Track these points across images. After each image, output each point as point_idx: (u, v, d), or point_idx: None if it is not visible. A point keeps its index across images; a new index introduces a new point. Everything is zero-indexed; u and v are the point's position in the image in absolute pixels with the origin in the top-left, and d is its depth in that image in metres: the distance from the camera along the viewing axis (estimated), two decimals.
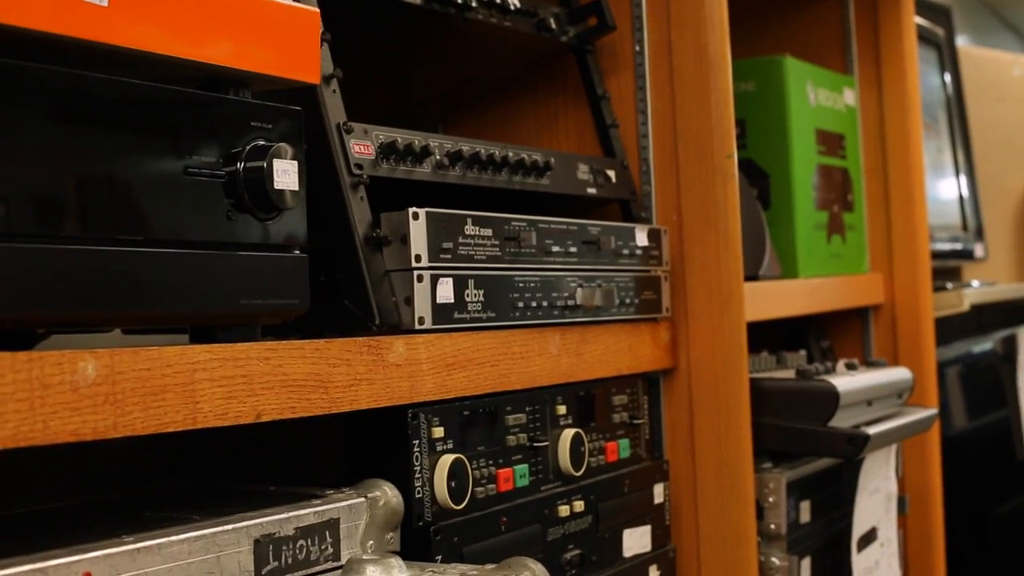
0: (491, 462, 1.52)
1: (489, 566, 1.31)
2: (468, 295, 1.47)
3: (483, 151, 1.57)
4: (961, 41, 5.47)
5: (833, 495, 2.23)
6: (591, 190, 1.78)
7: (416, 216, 1.40)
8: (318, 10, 1.30)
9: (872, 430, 2.02)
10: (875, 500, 2.33)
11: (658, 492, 1.84)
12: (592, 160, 1.79)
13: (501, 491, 1.54)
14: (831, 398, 1.97)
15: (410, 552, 1.38)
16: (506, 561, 1.30)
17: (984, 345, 3.79)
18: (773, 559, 1.98)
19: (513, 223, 1.55)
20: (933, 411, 2.39)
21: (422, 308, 1.40)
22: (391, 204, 1.42)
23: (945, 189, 3.43)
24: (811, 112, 2.42)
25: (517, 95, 1.98)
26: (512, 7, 1.72)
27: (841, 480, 2.25)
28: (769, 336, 2.45)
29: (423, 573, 1.30)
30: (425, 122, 2.00)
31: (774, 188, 2.35)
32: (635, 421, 1.82)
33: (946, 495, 2.93)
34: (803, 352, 2.33)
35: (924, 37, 3.40)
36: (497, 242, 1.52)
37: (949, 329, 3.62)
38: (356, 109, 1.46)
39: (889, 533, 2.39)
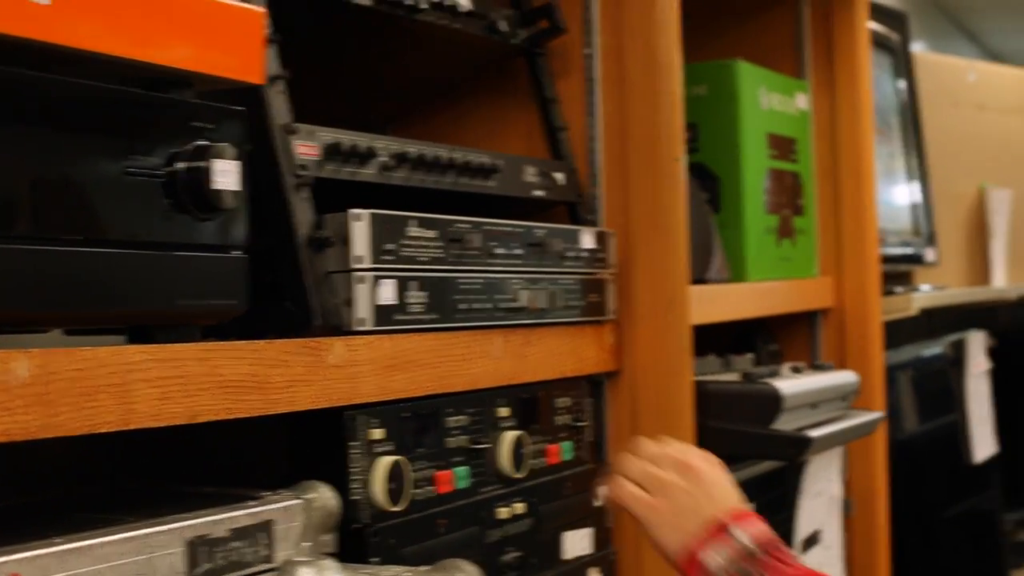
0: (431, 464, 1.53)
1: (423, 568, 1.31)
2: (410, 297, 1.47)
3: (429, 153, 1.58)
4: (919, 47, 5.50)
5: (777, 498, 2.25)
6: (538, 192, 1.78)
7: (358, 217, 1.40)
8: (263, 10, 1.30)
9: (815, 433, 2.03)
10: (819, 503, 2.35)
11: (600, 494, 1.85)
12: (539, 163, 1.80)
13: (440, 493, 1.54)
14: (774, 401, 1.98)
15: (347, 554, 1.38)
16: (440, 563, 1.31)
17: (935, 349, 3.81)
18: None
19: (458, 225, 1.56)
20: (878, 414, 2.41)
21: (363, 309, 1.40)
22: (341, 205, 1.42)
23: (897, 194, 3.45)
24: (763, 116, 2.43)
25: (467, 97, 1.98)
26: (462, 9, 1.72)
27: (785, 483, 2.27)
28: (718, 339, 2.46)
29: (357, 575, 1.30)
30: (375, 123, 1.99)
31: (725, 192, 2.37)
32: (578, 424, 1.82)
33: (895, 498, 2.95)
34: (751, 355, 2.34)
35: (879, 43, 3.41)
36: (441, 244, 1.53)
37: (901, 333, 3.64)
38: (305, 110, 1.46)
39: (833, 536, 2.41)
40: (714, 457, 1.60)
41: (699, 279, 2.15)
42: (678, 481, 1.55)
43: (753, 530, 1.51)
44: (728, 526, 1.51)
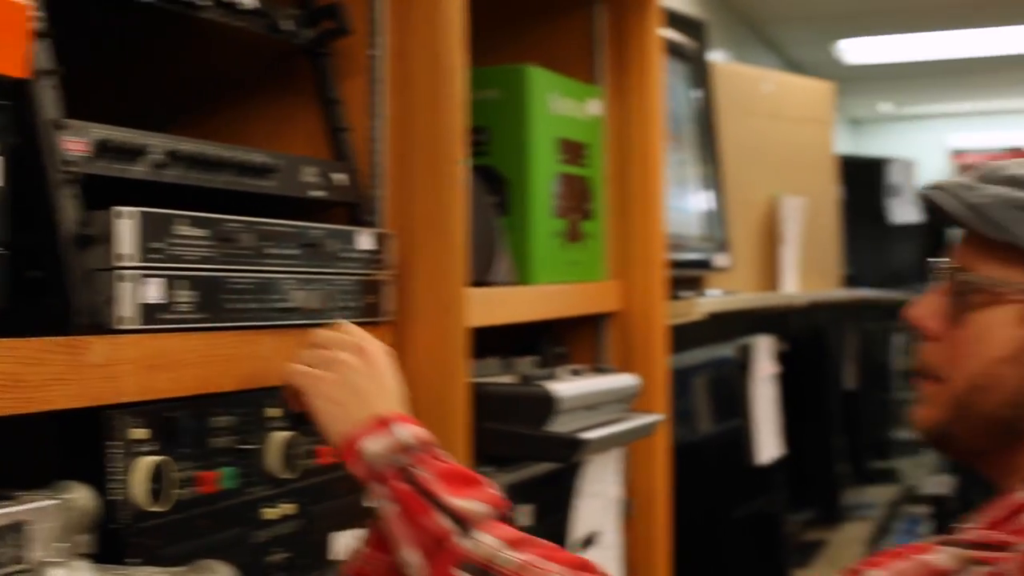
0: (196, 464, 1.52)
1: (178, 568, 1.30)
2: (177, 296, 1.46)
3: (204, 151, 1.57)
4: (720, 56, 5.62)
5: (555, 499, 2.27)
6: (317, 193, 1.78)
7: (123, 215, 1.39)
8: (28, 3, 1.28)
9: (589, 435, 2.06)
10: (597, 504, 2.38)
11: None
12: (320, 163, 1.80)
13: (205, 493, 1.53)
14: (548, 403, 2.01)
15: (106, 555, 1.37)
16: (194, 564, 1.31)
17: (725, 352, 3.89)
18: None
19: (229, 224, 1.55)
20: (658, 417, 2.45)
21: (126, 308, 1.39)
22: (120, 204, 1.40)
23: (690, 201, 3.51)
24: (554, 121, 2.46)
25: (252, 96, 1.97)
26: (244, 7, 1.71)
27: (563, 484, 2.30)
28: (506, 341, 2.48)
29: (108, 575, 1.29)
30: (158, 121, 1.97)
31: (514, 195, 2.38)
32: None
33: (684, 499, 3.00)
34: (533, 358, 2.37)
35: (676, 51, 3.47)
36: (212, 243, 1.52)
37: (696, 337, 3.71)
38: (86, 107, 1.44)
39: (611, 537, 2.45)
40: (390, 348, 1.64)
41: (484, 281, 2.17)
42: (348, 359, 1.58)
43: (415, 430, 1.56)
44: (391, 422, 1.55)
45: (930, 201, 1.54)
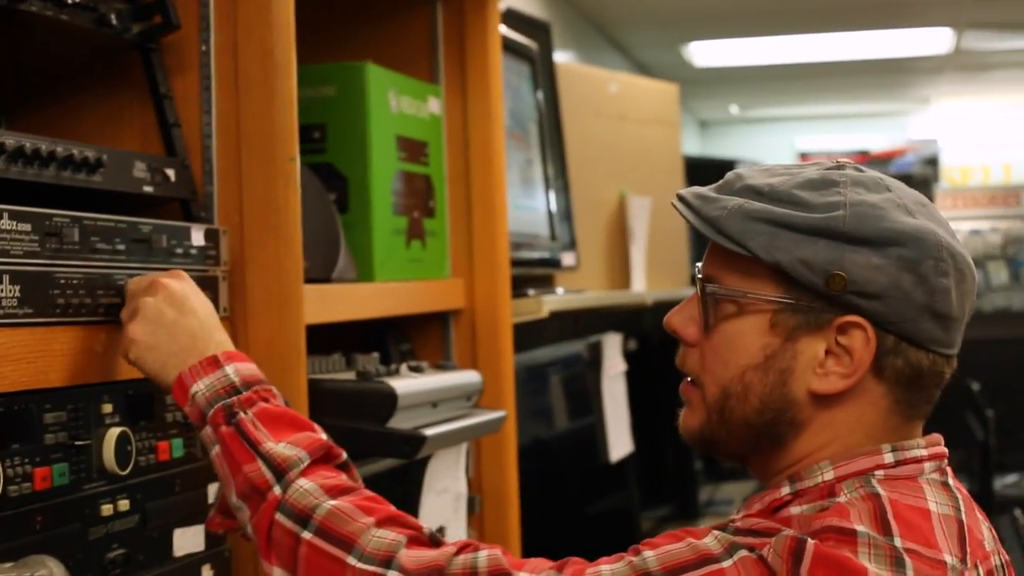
0: (26, 460, 1.50)
1: (7, 564, 1.29)
2: (2, 291, 1.45)
3: (28, 145, 1.55)
4: (567, 57, 5.66)
5: (400, 495, 2.27)
6: (148, 188, 1.77)
7: None
8: None
9: (430, 431, 2.07)
10: (443, 500, 2.39)
11: (212, 492, 1.85)
12: (150, 158, 1.79)
13: (37, 490, 1.52)
14: (389, 399, 2.02)
15: None
16: (23, 559, 1.30)
17: (574, 350, 3.92)
18: None
19: (55, 219, 1.54)
20: (502, 413, 2.47)
21: None
22: None
23: (536, 199, 3.54)
24: (393, 119, 2.47)
25: (83, 91, 1.96)
26: (70, 0, 1.70)
27: (408, 480, 2.31)
28: (349, 339, 2.48)
29: None
30: None
31: (352, 192, 2.39)
32: (189, 420, 1.82)
33: (539, 496, 3.02)
34: (376, 355, 2.37)
35: (519, 51, 3.49)
36: (36, 237, 1.51)
37: (546, 334, 3.74)
38: None
39: (458, 532, 2.46)
40: (182, 272, 1.68)
41: (324, 278, 2.17)
42: (147, 300, 1.62)
43: (243, 368, 1.61)
44: (221, 362, 1.60)
45: (676, 209, 1.55)
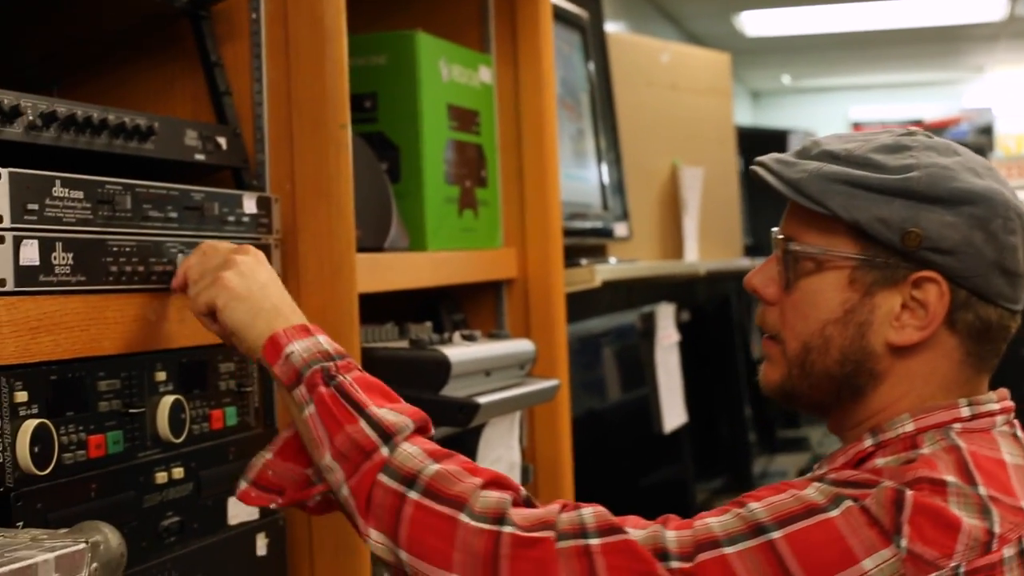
0: (81, 428, 1.51)
1: (62, 530, 1.30)
2: (56, 258, 1.45)
3: (80, 113, 1.55)
4: (619, 28, 5.64)
5: None
6: (199, 156, 1.77)
7: None
8: None
9: (484, 399, 2.06)
10: (497, 469, 2.38)
11: None
12: (202, 126, 1.79)
13: (92, 457, 1.52)
14: (442, 367, 2.01)
15: None
16: (79, 525, 1.30)
17: (627, 320, 3.90)
18: None
19: (107, 186, 1.54)
20: (555, 382, 2.46)
21: (3, 270, 1.38)
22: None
23: (588, 169, 3.52)
24: (444, 87, 2.46)
25: (134, 61, 1.96)
26: None
27: (462, 449, 2.29)
28: (402, 309, 2.48)
29: None
30: (39, 84, 1.95)
31: (404, 161, 2.38)
32: (244, 389, 1.82)
33: (592, 467, 3.02)
34: (429, 324, 2.37)
35: (569, 20, 3.47)
36: (89, 205, 1.51)
37: (601, 305, 3.73)
38: None
39: None
40: (252, 248, 1.68)
41: (376, 247, 2.17)
42: (237, 258, 1.62)
43: (331, 341, 1.63)
44: (313, 330, 1.62)
45: (755, 176, 1.63)
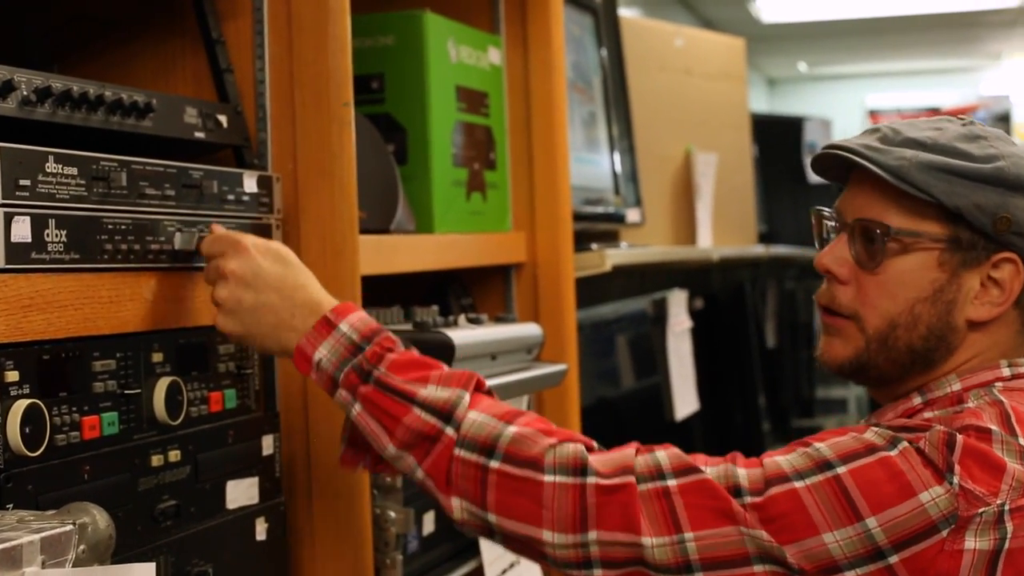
0: (75, 409, 1.48)
1: (49, 512, 1.27)
2: (49, 235, 1.43)
3: (76, 88, 1.52)
4: (633, 13, 5.60)
5: None
6: (199, 134, 1.74)
7: None
8: None
9: (489, 383, 2.03)
10: None
11: (267, 444, 1.82)
12: (202, 104, 1.76)
13: (86, 439, 1.49)
14: (446, 350, 1.98)
15: None
16: (67, 507, 1.27)
17: (638, 306, 3.87)
18: (389, 512, 1.98)
19: (102, 163, 1.51)
20: (563, 366, 2.42)
21: None
22: None
23: (601, 154, 3.49)
24: (452, 68, 2.43)
25: (135, 38, 1.93)
26: None
27: None
28: (409, 292, 2.45)
29: None
30: (39, 63, 1.93)
31: (411, 143, 2.35)
32: (243, 371, 1.79)
33: None
34: (435, 308, 2.34)
35: (581, 4, 3.44)
36: (83, 182, 1.48)
37: (613, 291, 3.70)
38: None
39: None
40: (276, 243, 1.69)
41: (382, 229, 2.14)
42: (232, 266, 1.63)
43: (356, 321, 1.64)
44: (333, 322, 1.63)
45: (842, 158, 1.72)
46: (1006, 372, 1.71)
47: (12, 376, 1.39)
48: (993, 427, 1.58)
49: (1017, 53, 10.96)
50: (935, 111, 11.19)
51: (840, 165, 1.75)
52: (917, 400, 1.72)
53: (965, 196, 1.67)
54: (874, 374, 1.75)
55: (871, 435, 1.59)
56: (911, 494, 1.53)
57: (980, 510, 1.52)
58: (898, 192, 1.68)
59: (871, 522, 1.53)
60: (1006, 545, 1.53)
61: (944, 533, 1.52)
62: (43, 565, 1.16)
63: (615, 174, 3.52)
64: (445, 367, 1.67)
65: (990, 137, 1.72)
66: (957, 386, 1.70)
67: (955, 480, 1.53)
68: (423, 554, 2.10)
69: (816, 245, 1.83)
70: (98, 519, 1.24)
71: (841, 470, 1.55)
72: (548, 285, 2.69)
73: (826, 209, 1.80)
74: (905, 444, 1.56)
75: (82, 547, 1.21)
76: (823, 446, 1.58)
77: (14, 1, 1.81)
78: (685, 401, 3.85)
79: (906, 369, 1.73)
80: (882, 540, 1.52)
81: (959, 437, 1.55)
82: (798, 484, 1.55)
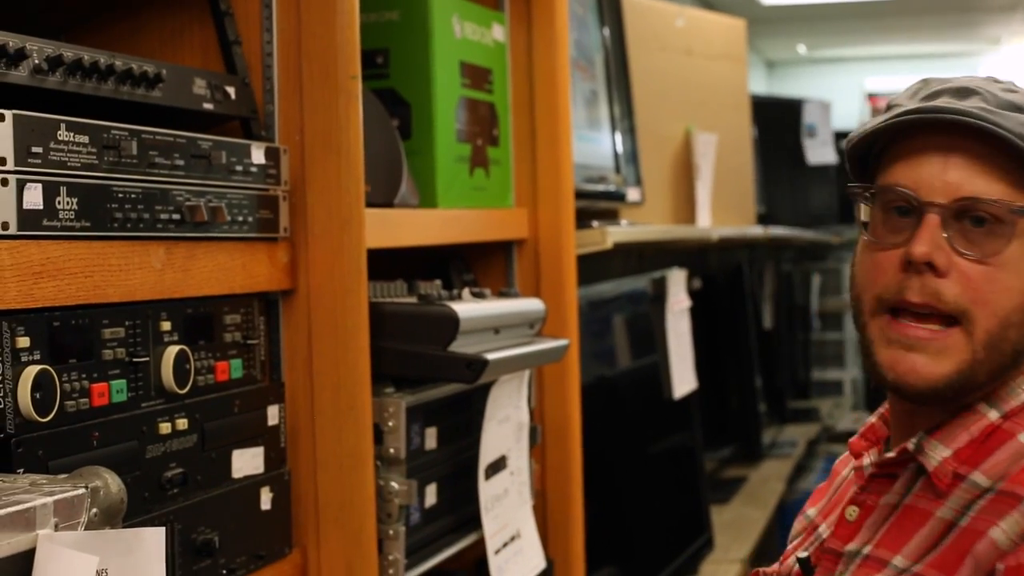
0: (84, 375, 1.49)
1: (61, 476, 1.28)
2: (60, 203, 1.43)
3: (86, 57, 1.53)
4: None
5: (462, 423, 2.26)
6: (208, 105, 1.75)
7: (0, 118, 1.36)
8: None
9: (492, 355, 2.05)
10: (505, 429, 2.37)
11: (272, 414, 1.83)
12: (210, 75, 1.77)
13: (95, 406, 1.50)
14: (451, 322, 1.99)
15: None
16: (79, 470, 1.28)
17: (638, 285, 3.88)
18: (392, 483, 1.99)
19: (113, 131, 1.52)
20: (564, 341, 2.44)
21: (6, 213, 1.36)
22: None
23: (602, 132, 3.49)
24: (456, 44, 2.43)
25: (145, 9, 1.93)
26: None
27: (470, 408, 2.28)
28: (412, 267, 2.46)
29: None
30: (45, 33, 1.93)
31: (415, 118, 2.36)
32: (249, 342, 1.81)
33: (602, 432, 3.00)
34: (439, 282, 2.35)
35: None
36: (94, 150, 1.49)
37: (613, 270, 3.71)
38: None
39: (520, 462, 2.44)
40: None
41: (386, 203, 2.15)
42: None
43: None
44: None
45: (974, 126, 1.45)
46: None
47: (23, 342, 1.39)
48: None
49: (1016, 38, 10.96)
50: None
51: (917, 133, 1.48)
52: (993, 415, 1.51)
53: None
54: (969, 389, 1.49)
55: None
56: None
57: None
58: (1004, 166, 1.45)
59: None
60: None
61: None
62: (56, 528, 1.17)
63: (616, 153, 3.53)
64: None
65: None
66: None
67: None
68: (425, 526, 2.11)
69: (866, 233, 1.54)
70: (110, 483, 1.24)
71: None
72: (549, 261, 2.70)
73: (897, 186, 1.50)
74: None
75: (94, 511, 1.22)
76: None
77: None
78: (683, 379, 3.86)
79: (997, 376, 1.50)
80: None
81: None
82: None
